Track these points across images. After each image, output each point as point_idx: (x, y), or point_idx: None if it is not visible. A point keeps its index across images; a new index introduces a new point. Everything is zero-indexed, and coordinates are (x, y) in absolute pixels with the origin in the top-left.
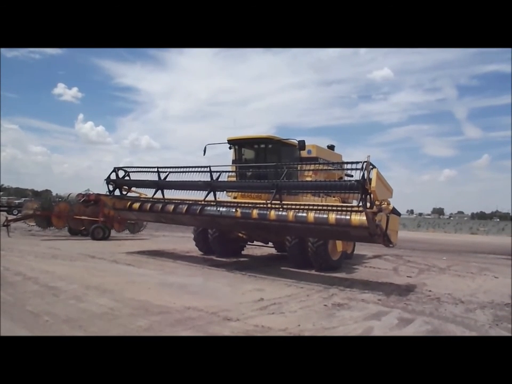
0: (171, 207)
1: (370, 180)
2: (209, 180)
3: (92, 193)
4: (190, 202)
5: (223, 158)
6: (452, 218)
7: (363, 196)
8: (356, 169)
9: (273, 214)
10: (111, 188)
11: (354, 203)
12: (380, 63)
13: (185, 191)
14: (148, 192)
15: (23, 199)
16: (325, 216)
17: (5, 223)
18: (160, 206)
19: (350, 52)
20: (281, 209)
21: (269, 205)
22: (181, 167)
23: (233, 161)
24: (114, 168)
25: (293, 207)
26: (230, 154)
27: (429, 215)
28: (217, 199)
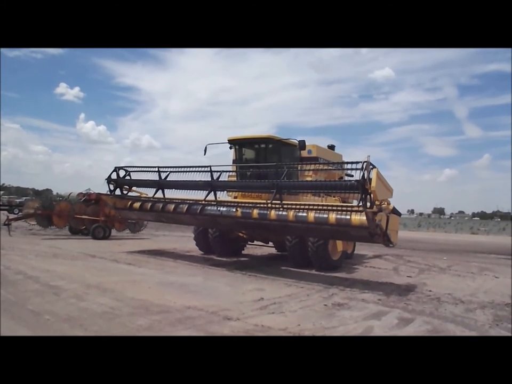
0: (172, 206)
1: (370, 179)
2: (209, 179)
3: (92, 192)
4: (191, 202)
5: (224, 158)
6: (452, 218)
7: (363, 196)
8: (356, 169)
9: (273, 213)
10: (111, 187)
11: (355, 203)
12: (381, 63)
13: (186, 190)
14: (149, 192)
15: (24, 198)
16: (325, 216)
17: (6, 222)
18: (160, 205)
19: (351, 51)
20: (281, 209)
21: (269, 205)
22: (182, 167)
23: (234, 161)
24: (115, 167)
25: (293, 206)
26: (231, 154)
27: (429, 214)
28: (217, 199)
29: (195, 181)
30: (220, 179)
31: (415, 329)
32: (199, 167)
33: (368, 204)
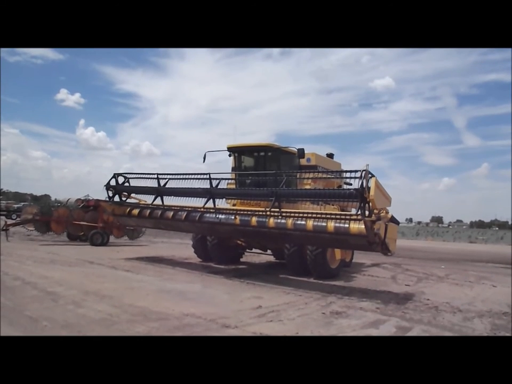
0: (170, 213)
1: (369, 188)
2: (208, 187)
3: (91, 198)
4: (189, 209)
5: (223, 165)
6: (450, 226)
7: (362, 204)
8: (355, 177)
9: (272, 221)
10: (110, 193)
11: (353, 211)
12: (381, 72)
13: (185, 197)
14: (147, 199)
15: (22, 203)
16: (324, 224)
17: (4, 228)
18: (159, 212)
19: (351, 60)
20: (280, 217)
21: (268, 213)
22: (181, 174)
23: (233, 169)
24: (114, 174)
25: (292, 215)
26: (230, 161)
27: (427, 223)
28: (216, 206)
29: (194, 188)
30: (218, 186)
31: None
32: (198, 174)
33: (367, 213)
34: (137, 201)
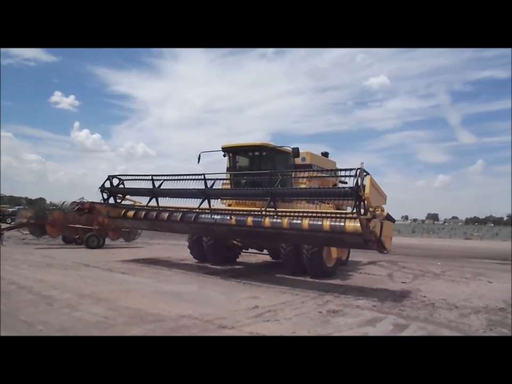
0: (165, 215)
1: (364, 186)
2: (203, 187)
3: (86, 201)
4: (185, 210)
5: (218, 166)
6: (446, 223)
7: (357, 203)
8: (350, 176)
9: (267, 221)
10: (105, 196)
11: (349, 210)
12: (376, 70)
13: (180, 199)
14: (142, 200)
15: (17, 207)
16: (320, 223)
17: None
18: (154, 214)
19: (346, 59)
20: (275, 216)
21: (264, 212)
22: (175, 175)
23: (228, 169)
24: (109, 176)
25: (288, 214)
26: (225, 162)
27: (423, 220)
28: (211, 207)
29: (189, 189)
30: (213, 187)
31: (410, 335)
32: (192, 175)
33: (362, 211)
34: (132, 203)
